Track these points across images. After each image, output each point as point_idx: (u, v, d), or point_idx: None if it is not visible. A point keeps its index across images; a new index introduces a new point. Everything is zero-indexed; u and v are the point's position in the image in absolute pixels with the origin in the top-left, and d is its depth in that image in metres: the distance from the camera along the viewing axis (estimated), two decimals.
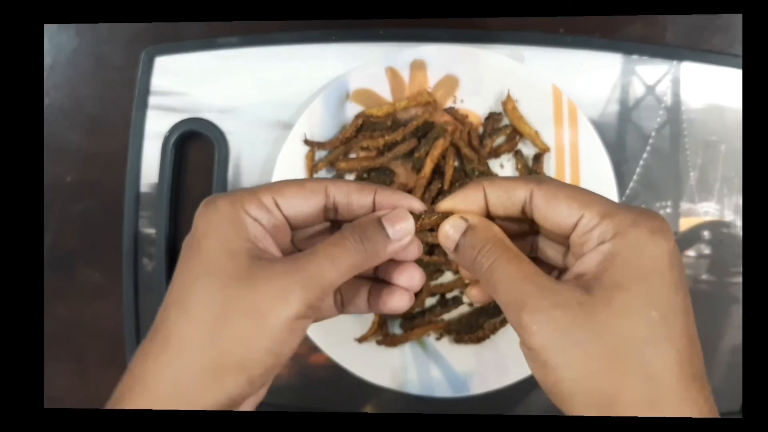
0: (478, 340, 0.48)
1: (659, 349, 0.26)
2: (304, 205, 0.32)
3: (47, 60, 0.54)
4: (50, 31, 0.54)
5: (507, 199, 0.30)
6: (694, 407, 0.25)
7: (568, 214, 0.28)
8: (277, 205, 0.31)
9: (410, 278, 0.34)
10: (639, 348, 0.25)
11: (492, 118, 0.49)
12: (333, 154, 0.50)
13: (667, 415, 0.25)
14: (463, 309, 0.50)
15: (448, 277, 0.50)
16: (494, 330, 0.48)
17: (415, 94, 0.49)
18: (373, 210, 0.32)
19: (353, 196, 0.32)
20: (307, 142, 0.49)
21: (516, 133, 0.49)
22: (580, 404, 0.26)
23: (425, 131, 0.49)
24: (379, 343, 0.49)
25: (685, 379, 0.25)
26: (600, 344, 0.26)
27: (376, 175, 0.49)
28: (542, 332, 0.27)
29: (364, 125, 0.49)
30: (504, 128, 0.49)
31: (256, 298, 0.28)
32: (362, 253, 0.30)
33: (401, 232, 0.31)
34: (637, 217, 0.27)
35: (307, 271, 0.29)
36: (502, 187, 0.30)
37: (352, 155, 0.50)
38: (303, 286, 0.29)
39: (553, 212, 0.29)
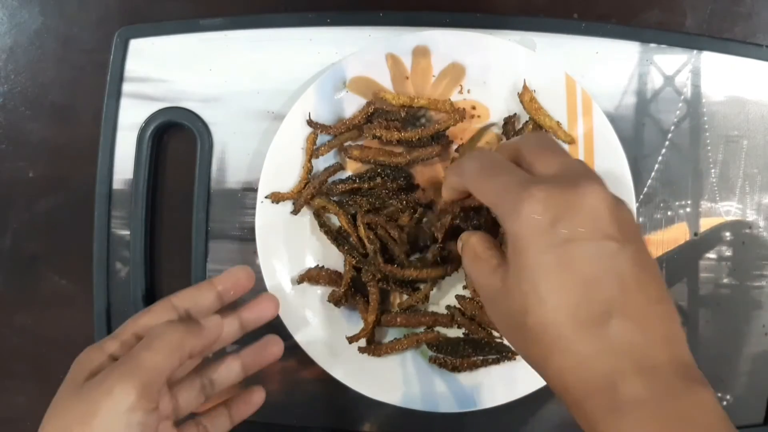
0: (453, 368, 0.46)
1: (535, 314, 0.29)
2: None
3: (7, 41, 0.50)
4: (10, 7, 0.49)
5: (461, 188, 0.35)
6: (590, 348, 0.28)
7: (482, 201, 0.33)
8: (138, 336, 0.36)
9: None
10: (524, 319, 0.29)
11: (509, 123, 0.46)
12: (343, 137, 0.46)
13: (560, 365, 0.28)
14: (453, 333, 0.47)
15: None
16: (473, 367, 0.46)
17: (435, 100, 0.46)
18: (220, 298, 0.39)
19: (196, 297, 0.39)
20: (310, 122, 0.46)
21: (539, 127, 0.46)
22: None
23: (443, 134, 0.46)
24: (361, 351, 0.46)
25: (569, 330, 0.28)
26: (509, 323, 0.31)
27: (391, 172, 0.46)
28: (491, 319, 0.33)
29: (376, 113, 0.46)
30: (525, 125, 0.46)
31: (87, 405, 0.32)
32: (177, 330, 0.35)
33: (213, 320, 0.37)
34: (510, 187, 0.30)
35: (126, 363, 0.33)
36: (450, 183, 0.35)
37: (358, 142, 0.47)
38: (125, 376, 0.32)
39: (478, 198, 0.33)
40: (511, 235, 0.29)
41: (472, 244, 0.34)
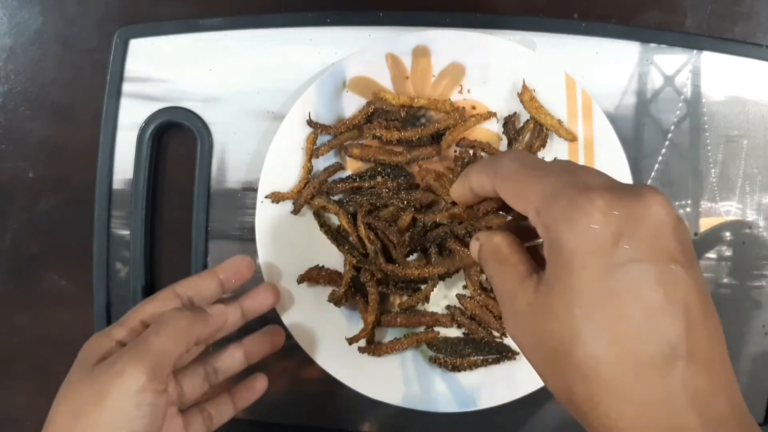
0: (453, 368, 0.46)
1: (587, 346, 0.24)
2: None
3: (7, 41, 0.50)
4: (10, 7, 0.49)
5: (482, 191, 0.30)
6: (653, 394, 0.23)
7: (516, 206, 0.27)
8: (144, 323, 0.37)
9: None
10: (570, 349, 0.24)
11: (509, 122, 0.46)
12: (343, 137, 0.46)
13: (612, 409, 0.24)
14: (453, 333, 0.47)
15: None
16: (473, 367, 0.46)
17: (435, 100, 0.46)
18: (222, 287, 0.41)
19: (199, 285, 0.40)
20: (310, 122, 0.46)
21: (539, 126, 0.45)
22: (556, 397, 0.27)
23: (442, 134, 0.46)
24: (361, 351, 0.46)
25: (628, 370, 0.24)
26: (543, 347, 0.26)
27: (391, 171, 0.46)
28: (512, 336, 0.28)
29: (376, 113, 0.46)
30: (526, 124, 0.46)
31: (98, 386, 0.33)
32: (185, 316, 0.36)
33: (218, 308, 0.39)
34: (562, 192, 0.25)
35: (136, 347, 0.34)
36: (471, 182, 0.30)
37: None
38: (135, 359, 0.33)
39: (511, 203, 0.28)
40: (560, 247, 0.25)
41: (496, 244, 0.29)
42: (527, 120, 0.46)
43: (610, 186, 0.25)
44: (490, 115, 0.46)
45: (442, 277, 0.45)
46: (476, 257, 0.31)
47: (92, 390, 0.33)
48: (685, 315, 0.24)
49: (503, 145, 0.47)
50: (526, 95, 0.45)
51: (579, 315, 0.24)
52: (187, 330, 0.36)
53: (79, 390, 0.33)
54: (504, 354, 0.45)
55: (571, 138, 0.45)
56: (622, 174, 0.45)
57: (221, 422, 0.41)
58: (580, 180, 0.26)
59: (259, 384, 0.43)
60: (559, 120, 0.45)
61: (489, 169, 0.29)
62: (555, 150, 0.46)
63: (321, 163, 0.47)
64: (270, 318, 0.45)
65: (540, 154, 0.46)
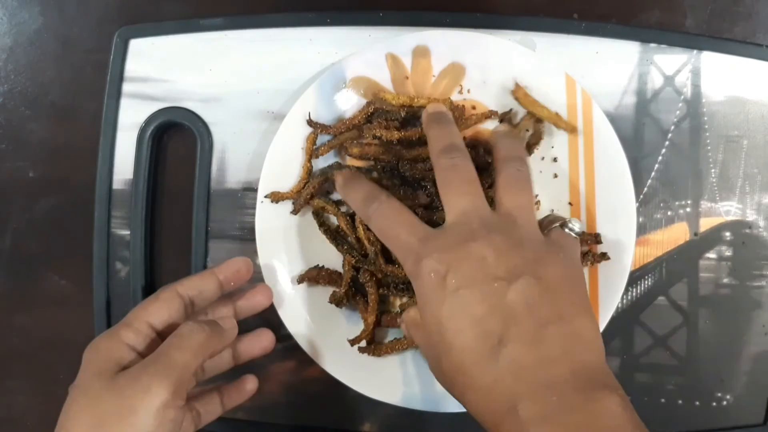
0: None
1: (448, 360, 0.33)
2: (166, 314, 0.38)
3: (6, 41, 0.50)
4: (10, 7, 0.49)
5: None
6: (489, 378, 0.31)
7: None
8: (151, 325, 0.38)
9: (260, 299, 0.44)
10: (440, 366, 0.34)
11: (506, 119, 0.46)
12: (342, 137, 0.46)
13: (471, 399, 0.32)
14: None
15: None
16: None
17: (435, 99, 0.46)
18: (221, 288, 0.41)
19: (200, 285, 0.40)
20: (310, 122, 0.45)
21: (538, 120, 0.45)
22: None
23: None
24: (361, 351, 0.46)
25: (471, 367, 0.32)
26: (434, 370, 0.35)
27: (390, 169, 0.46)
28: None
29: (376, 113, 0.46)
30: (523, 120, 0.45)
31: (123, 399, 0.33)
32: (204, 331, 0.37)
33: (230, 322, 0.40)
34: (411, 251, 0.35)
35: (160, 361, 0.35)
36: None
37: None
38: (160, 374, 0.34)
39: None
40: (415, 291, 0.34)
41: (411, 316, 0.39)
42: (524, 116, 0.46)
43: (444, 243, 0.34)
44: (492, 113, 0.46)
45: None
46: (404, 328, 0.40)
47: (116, 403, 0.33)
48: (506, 314, 0.31)
49: None
50: (519, 92, 0.45)
51: (436, 340, 0.33)
52: (206, 345, 0.36)
53: (102, 400, 0.33)
54: None
55: (571, 129, 0.45)
56: (622, 174, 0.45)
57: (208, 420, 0.41)
58: (426, 231, 0.35)
59: (249, 385, 0.43)
60: (557, 112, 0.45)
61: (364, 204, 0.40)
62: (556, 150, 0.46)
63: (321, 163, 0.47)
64: (265, 317, 0.45)
65: (540, 153, 0.46)
